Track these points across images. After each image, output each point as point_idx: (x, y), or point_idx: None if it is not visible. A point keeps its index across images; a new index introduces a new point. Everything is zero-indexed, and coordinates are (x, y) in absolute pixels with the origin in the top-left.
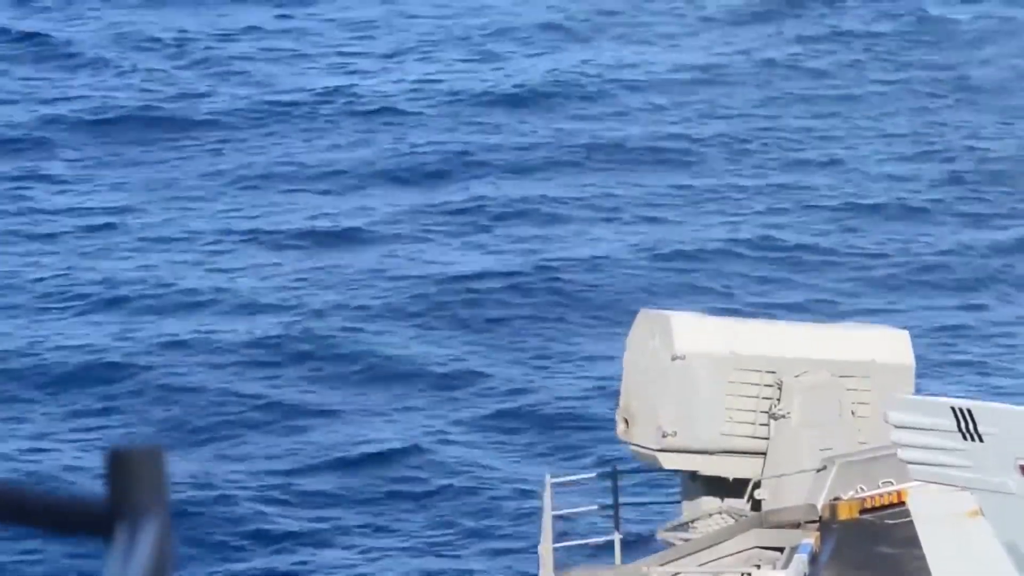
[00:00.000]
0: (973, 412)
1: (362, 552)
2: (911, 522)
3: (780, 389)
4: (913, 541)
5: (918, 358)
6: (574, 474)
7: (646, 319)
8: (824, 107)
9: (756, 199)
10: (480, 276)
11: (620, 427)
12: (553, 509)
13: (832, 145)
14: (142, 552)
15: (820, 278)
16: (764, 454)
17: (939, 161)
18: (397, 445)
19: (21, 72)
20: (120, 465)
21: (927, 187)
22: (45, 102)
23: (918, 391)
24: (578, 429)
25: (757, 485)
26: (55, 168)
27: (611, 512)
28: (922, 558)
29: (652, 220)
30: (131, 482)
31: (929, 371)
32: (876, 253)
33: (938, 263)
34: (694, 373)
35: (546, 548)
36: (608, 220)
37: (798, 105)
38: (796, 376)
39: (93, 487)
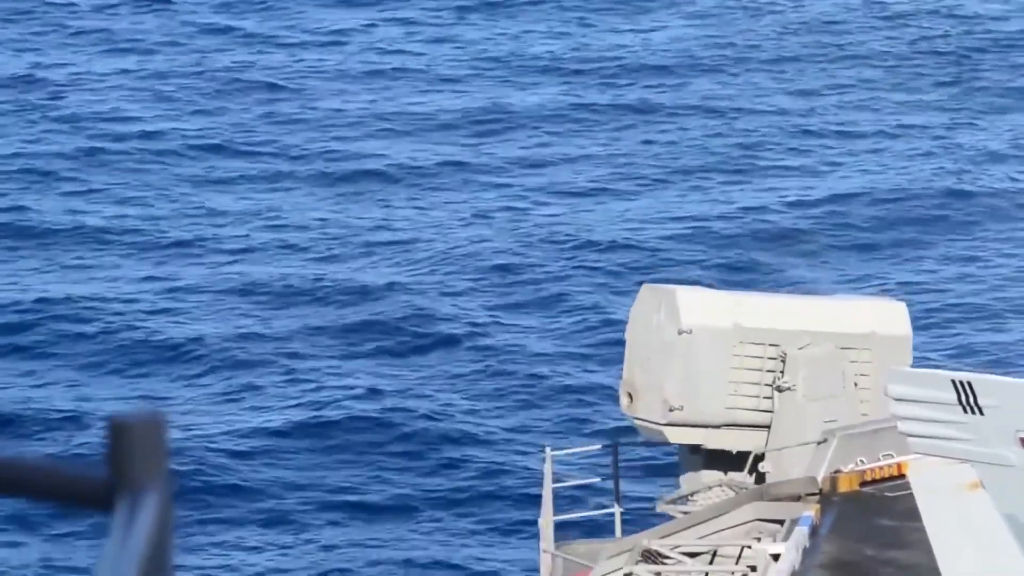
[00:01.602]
0: (973, 384)
1: (354, 516)
2: (911, 494)
3: (784, 362)
4: (913, 513)
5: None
6: (574, 446)
7: (650, 293)
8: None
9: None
10: (506, 236)
11: (624, 401)
12: (553, 481)
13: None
14: (143, 525)
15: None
16: (768, 427)
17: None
18: (395, 407)
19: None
20: (121, 436)
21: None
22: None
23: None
24: (580, 400)
25: (759, 458)
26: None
27: (611, 484)
28: (922, 530)
29: (673, 188)
30: (132, 453)
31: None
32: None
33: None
34: (699, 347)
35: (546, 521)
36: (636, 186)
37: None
38: (800, 348)
39: (96, 439)
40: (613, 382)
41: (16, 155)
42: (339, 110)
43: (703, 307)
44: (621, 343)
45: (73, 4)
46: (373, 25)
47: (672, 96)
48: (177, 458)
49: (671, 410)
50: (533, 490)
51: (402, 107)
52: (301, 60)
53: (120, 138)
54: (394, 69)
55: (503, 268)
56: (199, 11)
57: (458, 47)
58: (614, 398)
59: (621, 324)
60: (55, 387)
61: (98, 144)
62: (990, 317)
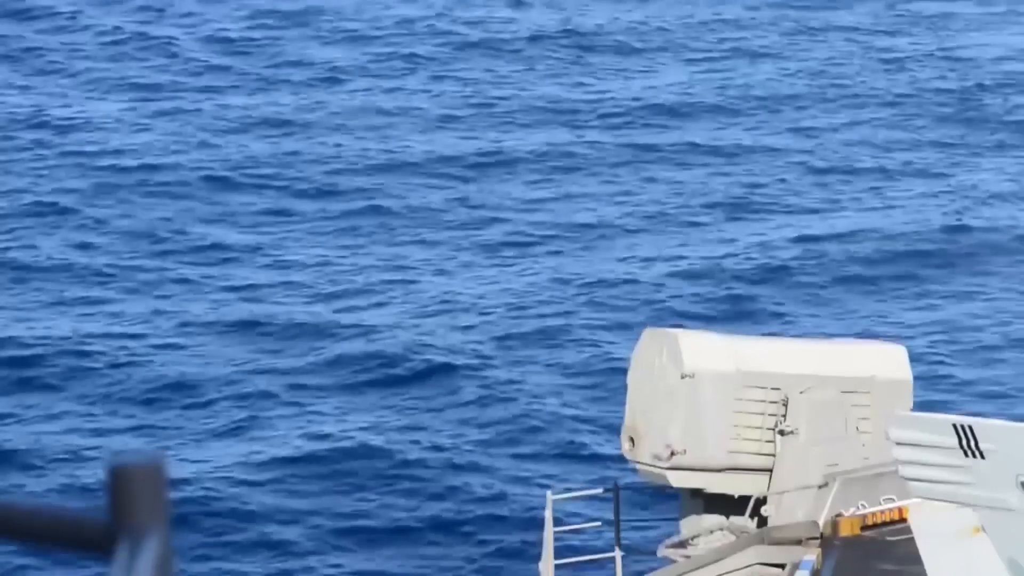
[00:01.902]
0: (974, 428)
1: (356, 546)
2: (912, 539)
3: (786, 406)
4: (914, 558)
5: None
6: (575, 488)
7: (652, 337)
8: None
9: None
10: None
11: (626, 445)
12: (554, 525)
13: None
14: (143, 568)
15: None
16: (770, 471)
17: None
18: (397, 440)
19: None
20: (121, 481)
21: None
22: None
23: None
24: (581, 439)
25: (761, 502)
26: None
27: (612, 528)
28: (924, 575)
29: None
30: (132, 498)
31: None
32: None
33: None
34: (702, 391)
35: (547, 565)
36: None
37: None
38: (801, 392)
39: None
40: (614, 420)
41: (22, 192)
42: (341, 146)
43: (705, 351)
44: (623, 381)
45: (77, 44)
46: (375, 62)
47: (673, 136)
48: (182, 490)
49: (673, 454)
50: (534, 522)
51: (404, 145)
52: (305, 97)
53: (124, 173)
54: (396, 107)
55: (506, 305)
56: (203, 51)
57: (460, 85)
58: (615, 437)
59: (622, 361)
60: (59, 423)
61: (102, 180)
62: (992, 357)
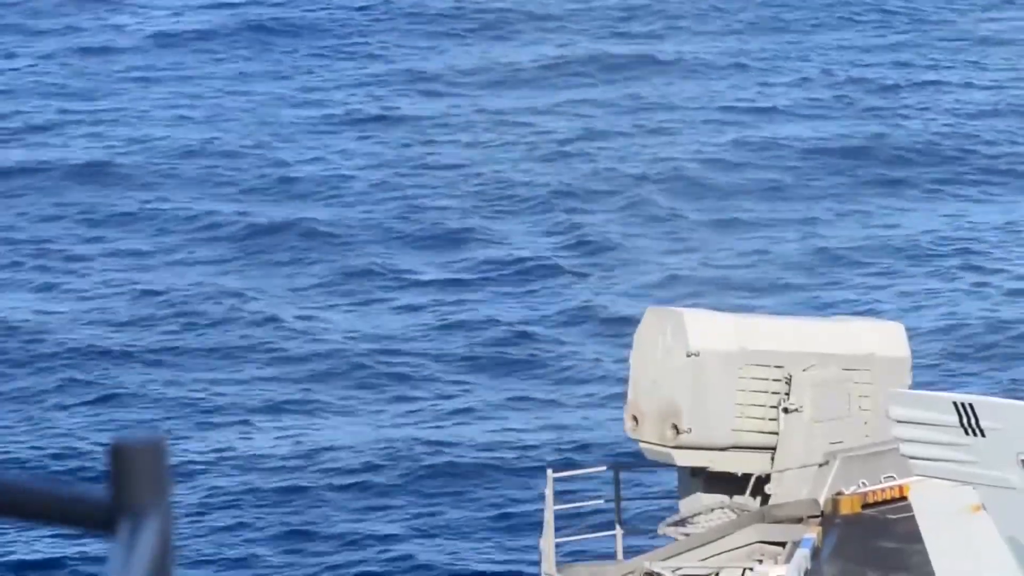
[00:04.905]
0: (975, 407)
1: (355, 541)
2: (913, 517)
3: (789, 384)
4: (915, 536)
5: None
6: (576, 468)
7: (655, 316)
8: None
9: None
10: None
11: (629, 424)
12: (554, 504)
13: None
14: (144, 547)
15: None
16: (773, 449)
17: None
18: (393, 435)
19: None
20: (122, 459)
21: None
22: None
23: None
24: (579, 422)
25: (763, 480)
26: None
27: (612, 507)
28: (924, 553)
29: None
30: (133, 476)
31: None
32: None
33: None
34: (707, 369)
35: (547, 543)
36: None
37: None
38: (804, 370)
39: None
40: (617, 398)
41: None
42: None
43: (710, 329)
44: (625, 359)
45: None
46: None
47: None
48: (181, 480)
49: (679, 433)
50: (535, 499)
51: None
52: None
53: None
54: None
55: (502, 280)
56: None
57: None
58: (617, 415)
59: (624, 339)
60: (62, 406)
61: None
62: (991, 333)
